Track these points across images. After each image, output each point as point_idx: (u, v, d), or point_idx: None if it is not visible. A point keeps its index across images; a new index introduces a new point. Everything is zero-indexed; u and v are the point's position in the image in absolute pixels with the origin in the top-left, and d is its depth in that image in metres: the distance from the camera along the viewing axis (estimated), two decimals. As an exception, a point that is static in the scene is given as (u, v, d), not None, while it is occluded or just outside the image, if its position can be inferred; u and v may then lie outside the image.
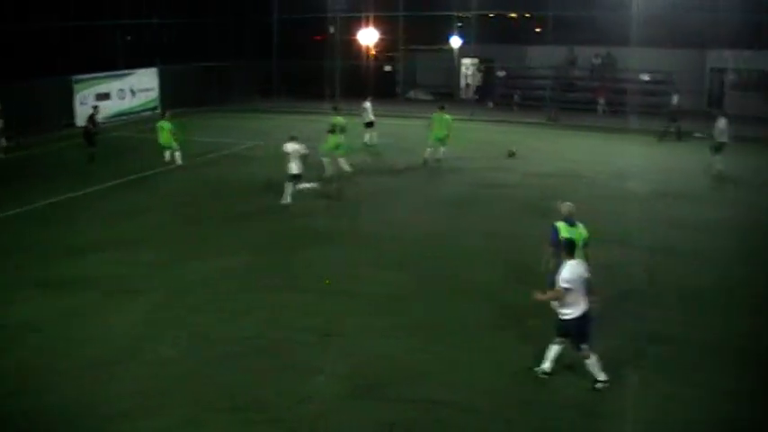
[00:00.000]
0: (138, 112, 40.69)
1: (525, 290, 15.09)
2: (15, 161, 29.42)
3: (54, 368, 12.09)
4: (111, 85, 39.39)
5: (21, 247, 18.40)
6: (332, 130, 24.78)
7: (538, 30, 47.42)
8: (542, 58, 43.01)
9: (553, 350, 11.41)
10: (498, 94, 45.46)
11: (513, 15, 49.65)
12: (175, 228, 20.04)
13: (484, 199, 22.87)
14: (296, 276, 16.22)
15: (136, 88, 40.94)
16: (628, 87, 39.72)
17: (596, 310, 11.29)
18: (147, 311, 14.40)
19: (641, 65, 39.63)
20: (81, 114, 35.17)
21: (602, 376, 11.20)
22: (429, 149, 27.45)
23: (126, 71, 40.49)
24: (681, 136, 32.82)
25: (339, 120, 26.77)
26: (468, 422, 10.58)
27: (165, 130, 27.13)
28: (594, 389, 11.19)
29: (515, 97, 43.60)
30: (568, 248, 11.36)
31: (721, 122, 26.16)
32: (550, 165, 27.76)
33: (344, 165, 24.90)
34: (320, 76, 44.44)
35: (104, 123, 37.05)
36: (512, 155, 28.73)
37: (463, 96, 46.59)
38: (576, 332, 11.06)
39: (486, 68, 46.53)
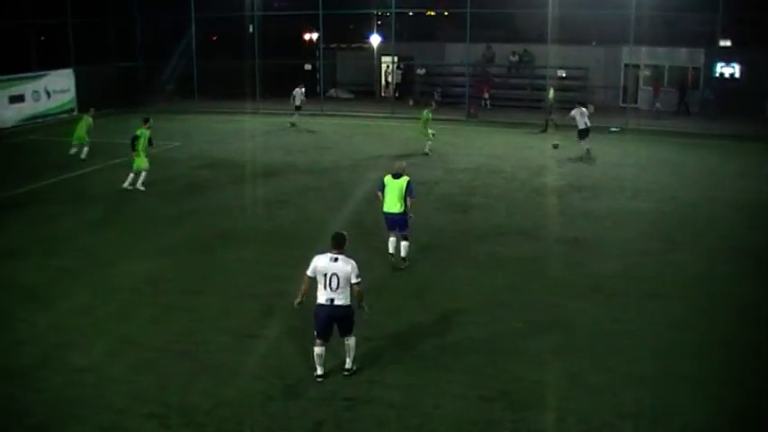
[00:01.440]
0: (54, 115, 39.70)
1: (440, 285, 15.58)
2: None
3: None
4: (25, 87, 38.39)
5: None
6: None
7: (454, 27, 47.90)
8: (461, 55, 43.44)
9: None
10: (418, 92, 45.81)
11: (431, 13, 50.05)
12: (88, 233, 19.68)
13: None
14: (213, 279, 16.15)
15: (51, 90, 39.98)
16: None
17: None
18: (61, 318, 14.14)
19: (558, 62, 40.40)
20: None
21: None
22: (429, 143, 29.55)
23: (40, 72, 39.56)
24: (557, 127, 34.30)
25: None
26: (393, 416, 10.65)
27: (83, 123, 27.45)
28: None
29: (435, 95, 43.95)
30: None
31: (581, 111, 29.40)
32: (470, 160, 28.11)
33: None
34: (241, 76, 44.08)
35: (20, 126, 36.40)
36: (556, 147, 29.37)
37: (384, 94, 46.80)
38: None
39: (405, 66, 46.82)
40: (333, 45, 48.24)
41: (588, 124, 29.16)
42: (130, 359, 12.42)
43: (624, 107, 40.04)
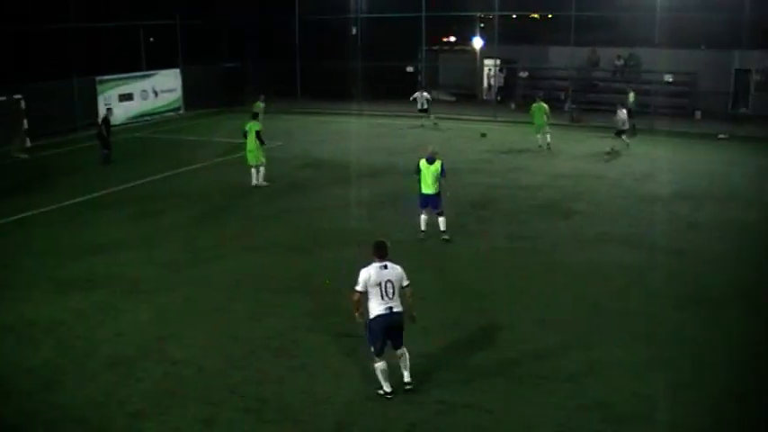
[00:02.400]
0: (161, 113, 40.86)
1: (541, 292, 15.27)
2: (37, 162, 29.62)
3: (68, 368, 12.16)
4: (134, 86, 39.55)
5: (40, 248, 18.56)
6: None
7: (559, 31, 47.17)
8: (565, 58, 42.69)
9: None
10: (521, 95, 45.21)
11: (534, 16, 49.39)
12: (192, 229, 20.02)
13: (505, 199, 22.74)
14: (311, 278, 16.16)
15: (158, 89, 41.11)
16: (650, 89, 39.34)
17: None
18: (163, 311, 14.45)
19: (665, 66, 39.24)
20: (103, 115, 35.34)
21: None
22: (539, 137, 30.64)
23: (149, 72, 40.69)
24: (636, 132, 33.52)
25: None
26: (488, 423, 10.47)
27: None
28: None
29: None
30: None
31: (622, 113, 29.82)
32: (573, 166, 27.55)
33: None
34: (342, 77, 44.32)
35: (127, 124, 37.50)
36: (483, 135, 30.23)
37: (485, 97, 46.35)
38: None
39: (508, 69, 46.28)
40: (435, 47, 48.05)
41: (626, 125, 30.04)
42: (228, 353, 12.55)
43: (733, 113, 38.65)
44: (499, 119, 39.17)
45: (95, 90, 37.06)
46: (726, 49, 39.28)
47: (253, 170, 24.16)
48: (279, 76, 46.13)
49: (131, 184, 24.83)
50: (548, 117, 30.89)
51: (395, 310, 10.96)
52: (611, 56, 43.15)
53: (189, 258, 17.53)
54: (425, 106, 36.92)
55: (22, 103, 30.75)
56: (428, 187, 18.09)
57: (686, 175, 26.12)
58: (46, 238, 19.47)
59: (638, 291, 15.48)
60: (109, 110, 30.97)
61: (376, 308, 10.96)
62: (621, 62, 42.87)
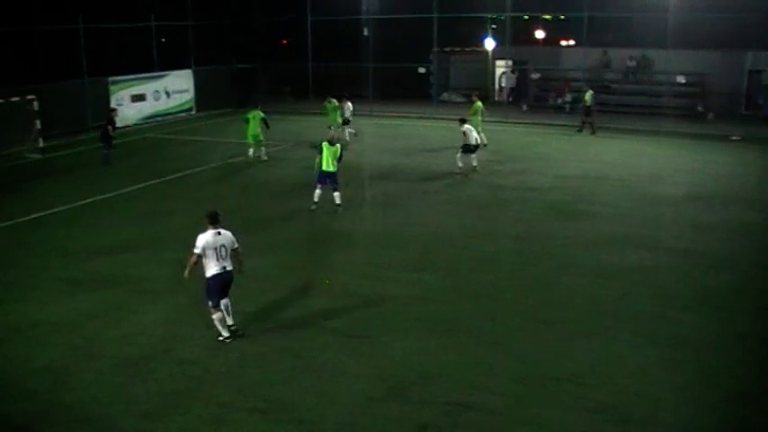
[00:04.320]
0: (173, 114, 41.03)
1: (548, 294, 15.28)
2: (50, 162, 29.79)
3: (75, 368, 12.23)
4: (147, 87, 39.72)
5: (51, 248, 18.63)
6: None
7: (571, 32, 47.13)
8: (577, 60, 42.64)
9: None
10: (532, 97, 45.22)
11: (546, 17, 49.33)
12: (200, 229, 19.97)
13: (513, 201, 22.74)
14: (320, 278, 16.21)
15: (171, 90, 41.29)
16: (663, 90, 39.25)
17: None
18: (173, 311, 14.51)
19: (677, 67, 39.12)
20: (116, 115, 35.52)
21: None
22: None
23: (161, 73, 40.86)
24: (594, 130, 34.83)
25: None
26: (496, 424, 10.49)
27: (256, 121, 28.49)
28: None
29: (551, 100, 43.57)
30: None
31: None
32: (582, 167, 27.52)
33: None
34: (354, 78, 44.34)
35: (139, 125, 37.68)
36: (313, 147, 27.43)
37: (497, 99, 46.31)
38: None
39: (520, 71, 46.24)
40: (446, 48, 48.01)
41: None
42: (236, 354, 12.60)
43: (746, 114, 38.52)
44: (510, 120, 39.10)
45: (108, 90, 37.21)
46: (738, 49, 39.11)
47: (252, 149, 28.39)
48: (290, 77, 46.27)
49: (142, 185, 24.91)
50: (483, 115, 31.25)
51: (227, 269, 12.85)
52: (622, 57, 43.08)
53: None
54: (347, 115, 33.71)
55: (35, 104, 30.89)
56: (328, 165, 20.84)
57: (697, 176, 26.05)
58: (55, 238, 19.54)
59: (645, 291, 15.44)
60: (113, 110, 31.16)
61: (213, 267, 12.75)
62: (634, 63, 42.79)
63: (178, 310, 14.57)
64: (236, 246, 13.04)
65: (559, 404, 10.95)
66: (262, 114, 28.45)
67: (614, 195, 23.25)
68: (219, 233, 12.90)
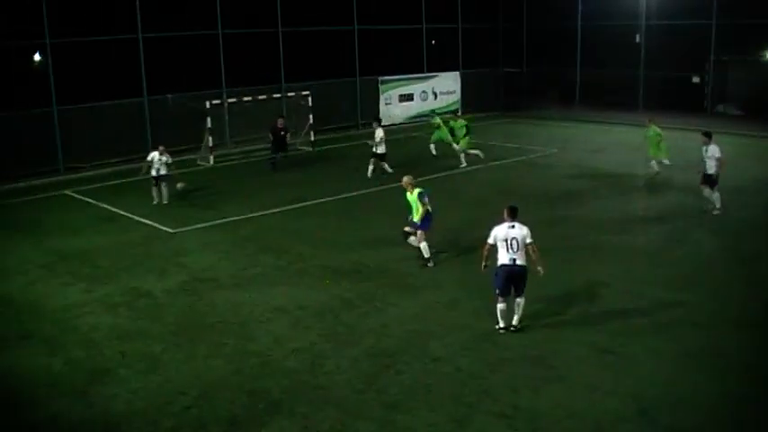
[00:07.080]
0: (439, 115, 41.63)
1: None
2: (321, 155, 31.68)
3: (331, 353, 12.92)
4: (415, 87, 40.91)
5: (314, 237, 19.97)
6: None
7: None
8: None
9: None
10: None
11: None
12: (468, 230, 20.03)
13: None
14: (580, 291, 15.72)
15: (438, 90, 42.18)
16: None
17: None
18: (430, 309, 14.83)
19: None
20: (384, 114, 37.09)
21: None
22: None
23: (429, 74, 41.82)
24: None
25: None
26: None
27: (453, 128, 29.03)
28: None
29: None
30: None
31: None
32: None
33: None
34: (623, 86, 43.05)
35: (405, 123, 38.82)
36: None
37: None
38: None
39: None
40: (725, 57, 45.40)
41: None
42: (485, 356, 12.67)
43: None
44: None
45: (378, 90, 38.76)
46: None
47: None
48: (557, 83, 45.72)
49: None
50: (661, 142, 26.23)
51: (517, 262, 13.15)
52: None
53: (454, 258, 17.88)
54: (376, 149, 26.71)
55: (309, 99, 32.61)
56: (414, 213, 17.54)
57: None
58: (319, 227, 20.78)
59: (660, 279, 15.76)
60: (282, 117, 29.61)
61: (502, 258, 13.23)
62: None
63: (435, 308, 14.86)
64: (530, 241, 13.29)
65: (572, 395, 11.28)
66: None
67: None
68: (513, 226, 13.34)
